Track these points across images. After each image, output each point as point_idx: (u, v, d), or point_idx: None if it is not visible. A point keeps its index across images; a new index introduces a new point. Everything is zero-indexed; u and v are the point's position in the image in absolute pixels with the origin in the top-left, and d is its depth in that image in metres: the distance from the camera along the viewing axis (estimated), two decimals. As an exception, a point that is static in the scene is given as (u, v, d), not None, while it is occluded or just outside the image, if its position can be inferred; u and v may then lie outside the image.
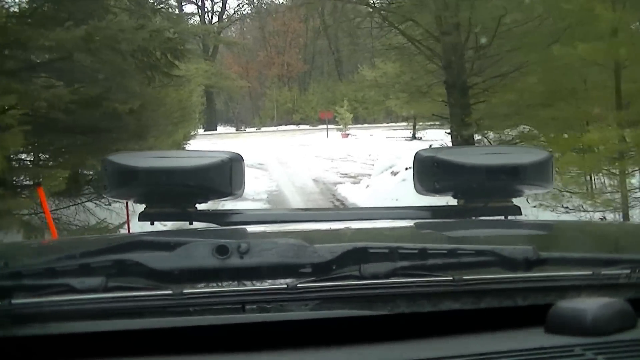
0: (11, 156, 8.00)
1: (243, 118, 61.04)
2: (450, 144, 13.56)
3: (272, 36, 60.45)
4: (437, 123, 25.64)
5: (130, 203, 2.35)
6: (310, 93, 55.65)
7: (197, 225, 1.90)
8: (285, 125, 52.67)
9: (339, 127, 34.67)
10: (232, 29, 64.23)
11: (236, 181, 1.86)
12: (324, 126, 49.39)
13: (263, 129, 50.70)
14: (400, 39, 15.34)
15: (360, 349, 0.87)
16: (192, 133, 22.77)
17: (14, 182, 8.58)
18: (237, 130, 51.50)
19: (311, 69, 61.15)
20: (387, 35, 16.36)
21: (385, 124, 49.05)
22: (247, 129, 52.99)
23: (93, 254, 1.09)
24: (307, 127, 50.46)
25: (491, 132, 12.86)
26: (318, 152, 25.51)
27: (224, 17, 61.34)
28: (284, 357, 0.87)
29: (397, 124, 49.00)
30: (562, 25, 8.56)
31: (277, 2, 60.78)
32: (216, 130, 57.96)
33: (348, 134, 33.60)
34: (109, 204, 9.94)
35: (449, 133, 15.04)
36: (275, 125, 52.56)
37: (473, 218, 1.90)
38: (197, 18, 59.05)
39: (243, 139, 33.86)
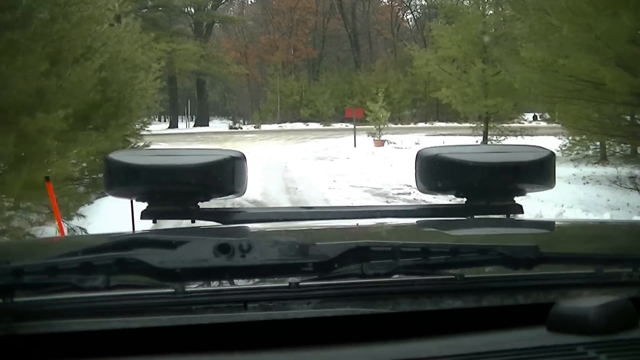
0: None
1: (242, 111, 52.36)
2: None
3: (276, 15, 50.61)
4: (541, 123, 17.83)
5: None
6: (321, 84, 45.71)
7: (199, 223, 1.89)
8: (291, 122, 43.07)
9: (369, 127, 24.65)
10: (231, 9, 54.29)
11: (238, 179, 1.86)
12: (341, 125, 40.00)
13: (263, 126, 41.06)
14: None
15: (362, 347, 0.87)
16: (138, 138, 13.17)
17: None
18: (231, 127, 41.65)
19: (322, 55, 51.31)
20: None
21: (413, 125, 39.44)
22: (245, 126, 43.37)
23: (95, 252, 1.08)
24: (318, 125, 41.00)
25: None
26: (351, 174, 15.58)
27: (221, -9, 51.44)
28: (286, 355, 0.86)
29: (427, 124, 39.54)
30: None
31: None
32: (208, 125, 48.74)
33: (384, 141, 23.75)
34: None
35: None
36: (279, 123, 42.97)
37: (475, 217, 1.88)
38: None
39: (232, 143, 23.70)
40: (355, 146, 22.68)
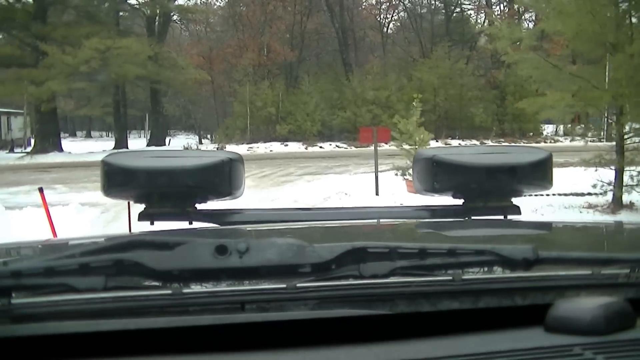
0: None
1: (209, 126, 43.08)
2: None
3: (246, 7, 41.10)
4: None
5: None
6: (302, 92, 35.91)
7: (196, 224, 1.89)
8: (265, 141, 33.32)
9: (385, 149, 14.99)
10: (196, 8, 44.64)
11: (235, 181, 1.87)
12: (330, 145, 30.54)
13: (229, 147, 30.97)
14: None
15: (359, 348, 0.87)
16: None
17: None
18: (186, 150, 31.69)
19: (302, 57, 41.88)
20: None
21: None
22: (207, 147, 33.71)
23: (93, 254, 1.08)
24: (301, 146, 31.39)
25: None
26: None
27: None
28: (283, 356, 0.87)
29: (440, 143, 30.68)
30: None
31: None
32: (164, 144, 38.97)
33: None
34: None
35: None
36: (249, 142, 33.13)
37: (472, 218, 1.89)
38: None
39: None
40: (378, 194, 13.20)
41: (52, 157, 29.67)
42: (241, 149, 30.41)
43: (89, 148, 33.48)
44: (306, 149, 31.92)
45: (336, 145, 32.72)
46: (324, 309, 0.96)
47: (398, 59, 43.77)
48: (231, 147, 30.76)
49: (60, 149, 34.31)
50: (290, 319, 0.93)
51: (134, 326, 0.89)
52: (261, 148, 32.11)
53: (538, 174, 1.86)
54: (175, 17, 42.83)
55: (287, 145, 32.77)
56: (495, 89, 38.03)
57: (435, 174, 1.86)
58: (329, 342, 0.87)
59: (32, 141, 35.78)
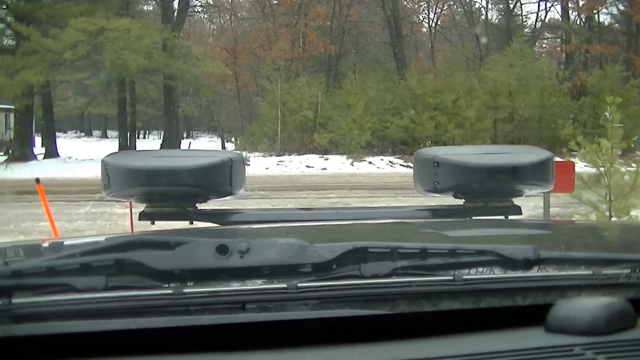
0: None
1: (234, 127, 38.69)
2: None
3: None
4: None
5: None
6: (347, 92, 28.92)
7: (197, 224, 1.90)
8: (299, 154, 26.42)
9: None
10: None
11: (236, 181, 1.87)
12: (382, 161, 23.88)
13: (254, 161, 24.28)
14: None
15: (360, 348, 0.88)
16: None
17: None
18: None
19: (343, 50, 35.16)
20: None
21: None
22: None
23: (94, 253, 1.09)
24: (345, 161, 24.36)
25: None
26: None
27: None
28: (284, 356, 0.87)
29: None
30: None
31: None
32: (179, 147, 32.31)
33: None
34: None
35: None
36: (279, 154, 26.35)
37: (473, 218, 1.90)
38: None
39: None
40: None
41: (30, 169, 23.30)
42: (270, 163, 23.88)
43: (96, 151, 27.42)
44: (352, 164, 25.09)
45: (390, 162, 25.80)
46: (325, 309, 0.96)
47: (446, 58, 36.95)
48: (257, 160, 24.09)
49: (56, 154, 29.28)
50: (291, 318, 0.93)
51: (135, 326, 0.89)
52: (295, 162, 25.35)
53: (539, 174, 1.87)
54: (196, 3, 36.53)
55: (327, 159, 25.91)
56: (581, 94, 30.93)
57: (437, 174, 1.86)
58: (330, 342, 0.88)
59: (35, 142, 29.86)
